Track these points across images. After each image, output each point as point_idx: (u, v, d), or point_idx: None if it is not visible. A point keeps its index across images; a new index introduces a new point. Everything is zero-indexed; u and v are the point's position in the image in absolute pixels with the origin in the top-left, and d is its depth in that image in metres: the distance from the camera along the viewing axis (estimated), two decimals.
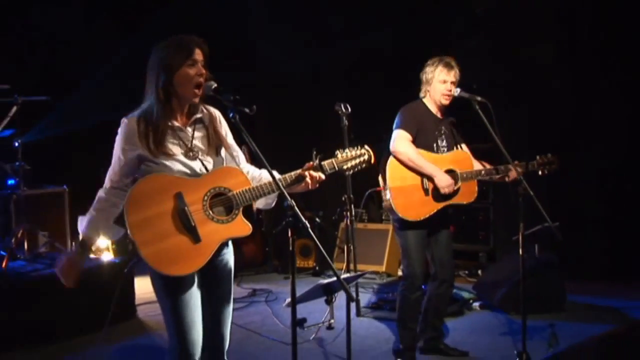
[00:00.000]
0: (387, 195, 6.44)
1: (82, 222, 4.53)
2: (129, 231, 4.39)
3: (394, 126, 6.48)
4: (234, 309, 4.91)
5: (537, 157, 6.61)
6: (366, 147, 4.92)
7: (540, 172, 6.61)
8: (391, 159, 6.44)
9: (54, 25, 9.74)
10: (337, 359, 6.82)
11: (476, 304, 8.51)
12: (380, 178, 6.57)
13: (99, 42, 9.62)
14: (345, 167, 4.83)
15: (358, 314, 8.27)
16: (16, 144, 8.46)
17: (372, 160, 4.94)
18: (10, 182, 8.39)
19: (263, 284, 9.57)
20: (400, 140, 6.41)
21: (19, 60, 9.26)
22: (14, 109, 8.33)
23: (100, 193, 4.50)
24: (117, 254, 8.71)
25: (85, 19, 9.88)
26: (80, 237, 4.55)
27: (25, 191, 8.41)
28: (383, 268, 9.93)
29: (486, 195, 9.94)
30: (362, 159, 4.86)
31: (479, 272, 9.50)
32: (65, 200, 9.27)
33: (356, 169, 4.89)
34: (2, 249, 7.90)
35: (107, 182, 4.51)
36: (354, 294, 6.36)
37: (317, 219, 9.92)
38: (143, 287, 8.27)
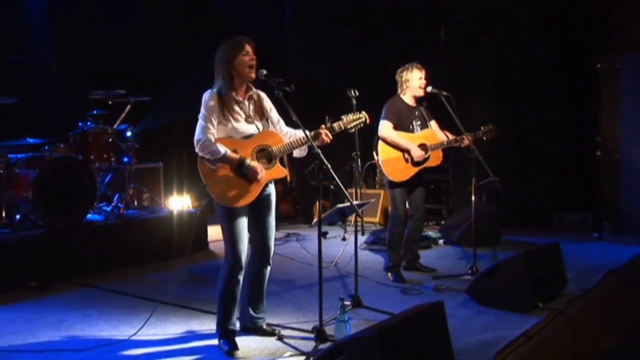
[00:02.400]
0: (381, 165, 6.63)
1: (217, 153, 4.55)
2: (202, 178, 4.59)
3: (381, 117, 6.63)
4: (275, 244, 5.09)
5: (482, 127, 6.74)
6: (363, 112, 5.08)
7: (485, 138, 6.73)
8: (380, 141, 6.61)
9: (154, 44, 9.95)
10: (347, 273, 6.91)
11: (441, 241, 8.64)
12: (374, 154, 6.71)
13: (184, 57, 9.84)
14: (349, 126, 5.00)
15: (362, 233, 8.42)
16: (128, 134, 8.57)
17: (368, 121, 5.10)
18: (125, 159, 8.47)
19: (294, 230, 9.69)
20: (385, 128, 6.59)
21: (130, 70, 9.33)
22: (128, 107, 8.45)
23: (212, 146, 4.53)
24: (193, 207, 8.77)
25: (176, 42, 10.07)
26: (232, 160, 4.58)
27: (134, 164, 8.51)
28: (377, 219, 10.01)
29: (447, 171, 10.00)
30: (360, 120, 5.04)
31: (442, 222, 9.51)
32: (160, 172, 9.42)
33: (357, 128, 5.04)
34: (120, 201, 8.00)
35: (210, 136, 4.55)
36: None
37: (332, 187, 9.96)
38: (212, 231, 8.41)
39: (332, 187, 9.94)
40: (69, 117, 8.37)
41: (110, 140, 8.17)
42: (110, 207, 7.94)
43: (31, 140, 7.64)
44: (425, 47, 9.40)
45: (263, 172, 4.65)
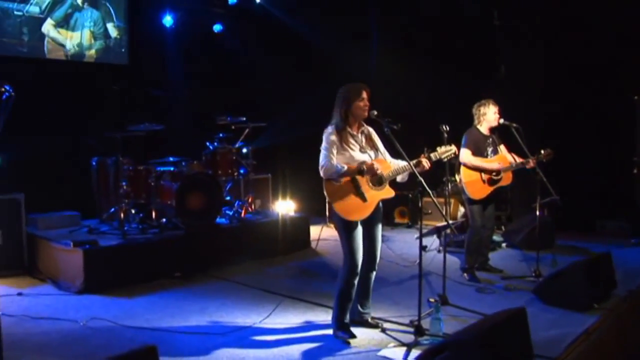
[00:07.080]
0: (463, 186, 6.58)
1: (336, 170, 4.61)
2: (327, 197, 4.68)
3: (462, 145, 6.56)
4: None
5: (542, 152, 6.57)
6: (453, 145, 5.08)
7: (544, 160, 6.58)
8: (462, 166, 6.57)
9: (267, 81, 10.14)
10: (429, 272, 6.81)
11: (504, 244, 8.42)
12: (456, 176, 6.75)
13: (291, 92, 9.93)
14: (443, 157, 5.00)
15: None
16: (245, 150, 8.67)
17: (456, 153, 5.14)
18: (242, 170, 8.56)
19: None
20: (465, 155, 6.53)
21: (249, 101, 9.57)
22: (247, 130, 8.55)
23: (335, 166, 4.60)
24: (298, 211, 8.81)
25: (285, 80, 10.17)
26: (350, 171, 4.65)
27: (250, 176, 8.63)
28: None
29: None
30: (451, 151, 5.05)
31: (502, 227, 9.24)
32: (269, 182, 9.48)
33: (449, 157, 5.06)
34: (239, 207, 8.14)
35: (332, 162, 4.61)
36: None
37: (410, 195, 9.74)
38: (313, 231, 8.53)
39: (410, 195, 9.79)
40: (199, 138, 8.54)
41: (234, 158, 8.28)
42: (232, 211, 8.08)
43: (172, 158, 7.85)
44: (489, 79, 9.30)
45: (379, 166, 4.69)
